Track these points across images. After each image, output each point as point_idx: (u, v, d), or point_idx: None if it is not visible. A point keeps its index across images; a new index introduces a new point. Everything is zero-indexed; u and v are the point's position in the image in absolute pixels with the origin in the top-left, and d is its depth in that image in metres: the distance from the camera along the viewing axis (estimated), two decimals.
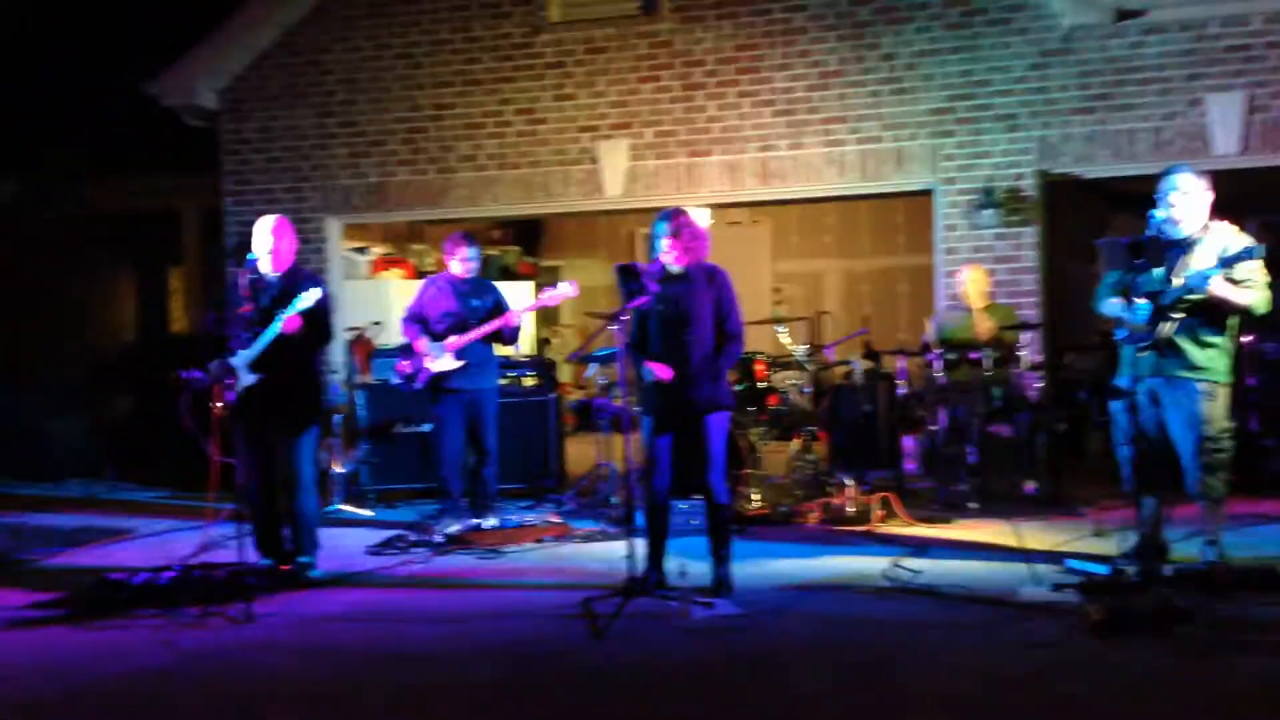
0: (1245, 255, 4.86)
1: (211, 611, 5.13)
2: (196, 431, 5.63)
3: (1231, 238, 5.03)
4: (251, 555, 5.76)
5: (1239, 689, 3.83)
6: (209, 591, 5.35)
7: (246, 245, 6.06)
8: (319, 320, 5.84)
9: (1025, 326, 7.48)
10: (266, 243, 5.85)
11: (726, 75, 8.70)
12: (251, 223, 6.01)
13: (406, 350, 7.18)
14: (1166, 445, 5.15)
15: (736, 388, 7.71)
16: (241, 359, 5.74)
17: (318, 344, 6.04)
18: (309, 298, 5.67)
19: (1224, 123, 7.84)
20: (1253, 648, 4.20)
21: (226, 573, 5.57)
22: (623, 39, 8.90)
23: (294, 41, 9.52)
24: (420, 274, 10.18)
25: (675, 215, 5.35)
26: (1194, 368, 5.05)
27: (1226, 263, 4.91)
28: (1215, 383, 5.06)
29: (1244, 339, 7.95)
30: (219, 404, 5.65)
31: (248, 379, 5.73)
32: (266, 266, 5.86)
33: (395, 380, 8.28)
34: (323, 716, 4.06)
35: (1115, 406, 5.27)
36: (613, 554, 5.82)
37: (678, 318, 5.28)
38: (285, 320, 5.62)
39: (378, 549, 6.65)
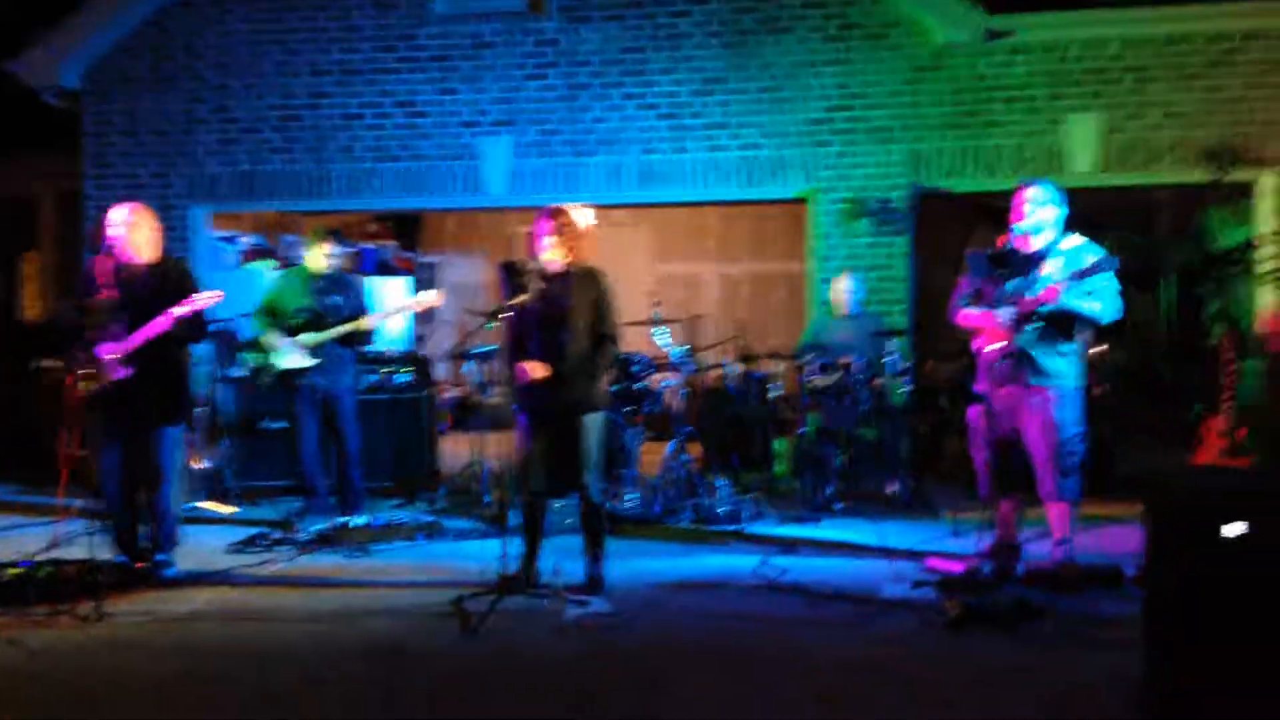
0: (1097, 268, 5.10)
1: (61, 610, 4.93)
2: (49, 423, 5.40)
3: (1084, 250, 5.28)
4: (105, 552, 5.54)
5: (1083, 680, 4.02)
6: (58, 589, 5.15)
7: (101, 231, 5.82)
8: (200, 319, 5.70)
9: (893, 333, 7.69)
10: (127, 231, 5.65)
11: (611, 77, 8.73)
12: (112, 208, 5.77)
13: (252, 345, 7.01)
14: (1021, 450, 5.36)
15: (612, 388, 7.76)
16: (111, 350, 5.53)
17: (194, 341, 5.89)
18: (205, 299, 5.55)
19: (1083, 142, 8.21)
20: (1099, 643, 4.41)
21: (77, 570, 5.36)
22: (509, 35, 8.85)
23: (165, 22, 9.18)
24: (290, 265, 9.94)
25: (557, 213, 5.35)
26: (1046, 375, 5.28)
27: (1079, 275, 5.14)
28: (1066, 388, 5.30)
29: (1097, 349, 8.41)
30: (79, 395, 5.44)
31: (120, 372, 5.52)
32: (131, 254, 5.66)
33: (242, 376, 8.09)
34: (173, 717, 3.92)
35: (973, 412, 5.47)
36: (486, 552, 5.78)
37: (554, 317, 5.28)
38: (170, 318, 5.46)
39: (239, 547, 6.47)
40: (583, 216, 5.44)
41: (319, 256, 7.00)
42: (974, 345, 5.54)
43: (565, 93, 8.79)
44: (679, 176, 8.69)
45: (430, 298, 6.98)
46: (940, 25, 8.24)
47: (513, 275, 5.29)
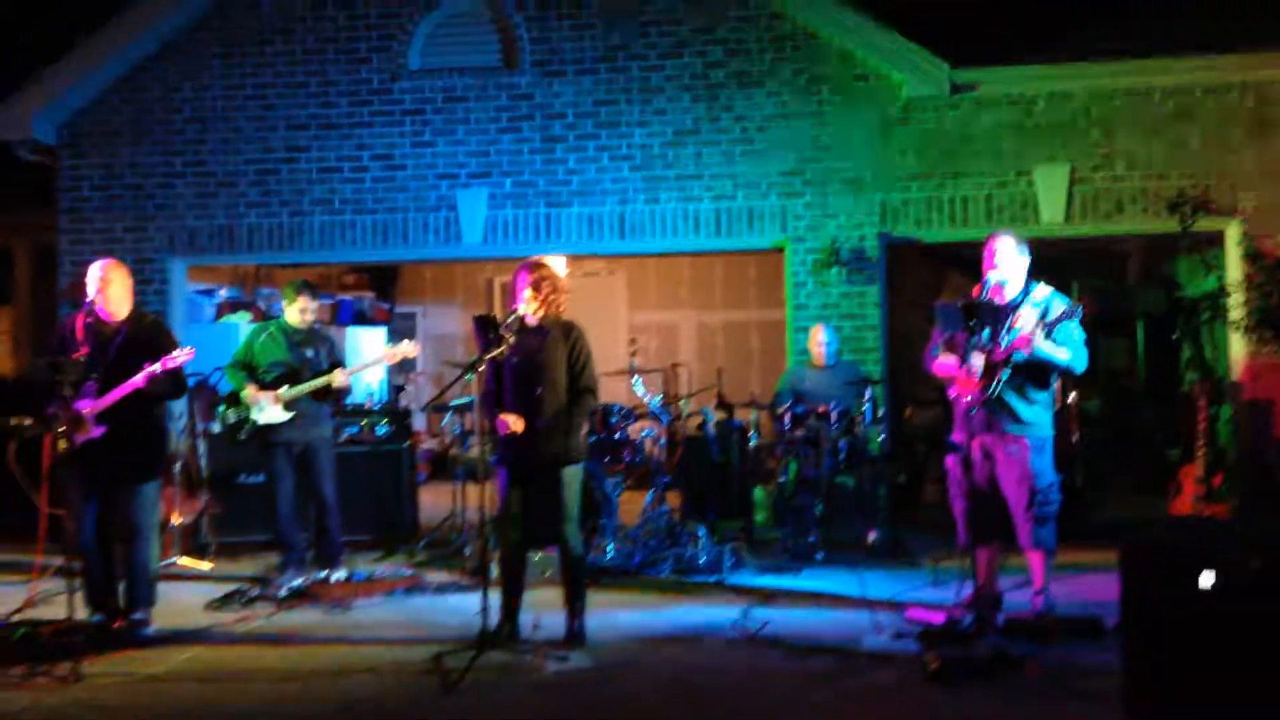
0: (1063, 317, 5.20)
1: (37, 671, 4.88)
2: (24, 481, 5.36)
3: (1052, 300, 5.38)
4: (81, 612, 5.48)
5: None
6: (35, 650, 5.10)
7: (79, 286, 5.85)
8: (176, 375, 5.71)
9: (868, 381, 7.76)
10: (101, 286, 5.68)
11: (585, 129, 8.83)
12: (88, 262, 5.80)
13: (230, 399, 6.99)
14: (998, 498, 5.42)
15: (590, 439, 7.78)
16: (86, 407, 5.52)
17: (171, 398, 5.90)
18: (180, 356, 5.59)
19: (1049, 193, 8.36)
20: (1080, 694, 4.43)
21: (53, 630, 5.30)
22: (483, 89, 8.95)
23: (141, 77, 9.23)
24: (267, 317, 9.94)
25: (535, 267, 5.40)
26: (1021, 423, 5.36)
27: (1048, 325, 5.22)
28: (1040, 437, 5.38)
29: (1070, 397, 8.51)
30: (56, 452, 5.42)
31: (95, 430, 5.52)
32: (106, 310, 5.68)
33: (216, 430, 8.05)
34: None
35: (950, 460, 5.53)
36: (466, 606, 5.76)
37: (531, 370, 5.31)
38: (145, 376, 5.48)
39: (217, 604, 6.41)
40: (557, 266, 5.49)
41: (295, 310, 7.01)
42: (949, 394, 5.60)
43: (540, 145, 8.88)
44: (653, 227, 8.77)
45: (405, 349, 6.99)
46: (907, 79, 8.40)
47: (487, 328, 5.32)
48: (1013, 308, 5.40)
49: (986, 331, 5.36)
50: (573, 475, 5.37)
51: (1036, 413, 5.40)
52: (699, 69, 8.69)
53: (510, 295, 5.45)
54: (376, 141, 9.04)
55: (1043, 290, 5.45)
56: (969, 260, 8.91)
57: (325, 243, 9.11)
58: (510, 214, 8.92)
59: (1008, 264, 5.43)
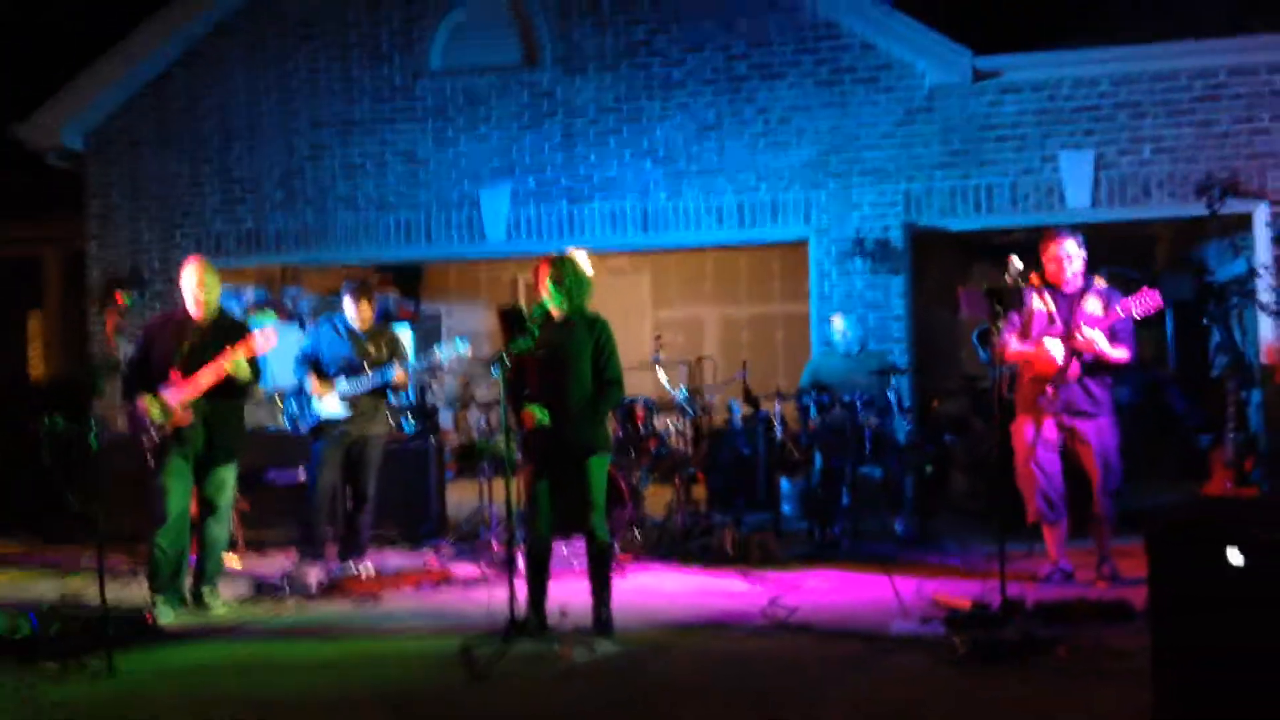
0: (1143, 309, 5.62)
1: (71, 664, 4.93)
2: (59, 479, 5.46)
3: (1111, 291, 5.79)
4: (118, 604, 5.56)
5: (1088, 711, 4.01)
6: (68, 644, 5.15)
7: (113, 288, 6.04)
8: (254, 364, 6.21)
9: (894, 371, 7.73)
10: (190, 286, 6.17)
11: (607, 125, 8.86)
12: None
13: (296, 392, 7.05)
14: (1068, 476, 5.92)
15: (616, 434, 7.79)
16: (174, 398, 5.99)
17: (249, 384, 6.30)
18: (260, 341, 6.07)
19: (1075, 179, 8.30)
20: (1109, 674, 4.40)
21: (86, 624, 5.36)
22: (504, 87, 8.99)
23: (167, 85, 9.34)
24: (293, 317, 10.01)
25: (560, 261, 5.42)
26: (1097, 403, 5.85)
27: (1122, 320, 5.73)
28: (1113, 416, 5.91)
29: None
30: (152, 432, 5.97)
31: (184, 417, 6.01)
32: (192, 309, 6.15)
33: (271, 426, 8.12)
34: None
35: (1028, 437, 5.98)
36: (493, 598, 5.79)
37: (557, 363, 5.32)
38: (226, 361, 5.97)
39: (249, 599, 6.47)
40: (582, 263, 5.51)
41: (349, 312, 7.06)
42: (1024, 377, 6.03)
43: (562, 141, 8.91)
44: (677, 221, 8.78)
45: (462, 350, 7.00)
46: (930, 68, 8.36)
47: (513, 320, 5.34)
48: (1079, 295, 5.84)
49: (1059, 318, 5.82)
50: (599, 466, 5.39)
51: (1107, 393, 5.87)
52: (720, 63, 8.70)
53: (535, 291, 5.47)
54: (399, 139, 9.10)
55: (1101, 280, 5.90)
56: (995, 248, 8.89)
57: (350, 241, 9.19)
58: (533, 210, 8.96)
59: (1074, 264, 5.88)
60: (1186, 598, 3.49)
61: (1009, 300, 5.41)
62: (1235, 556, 3.41)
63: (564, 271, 5.38)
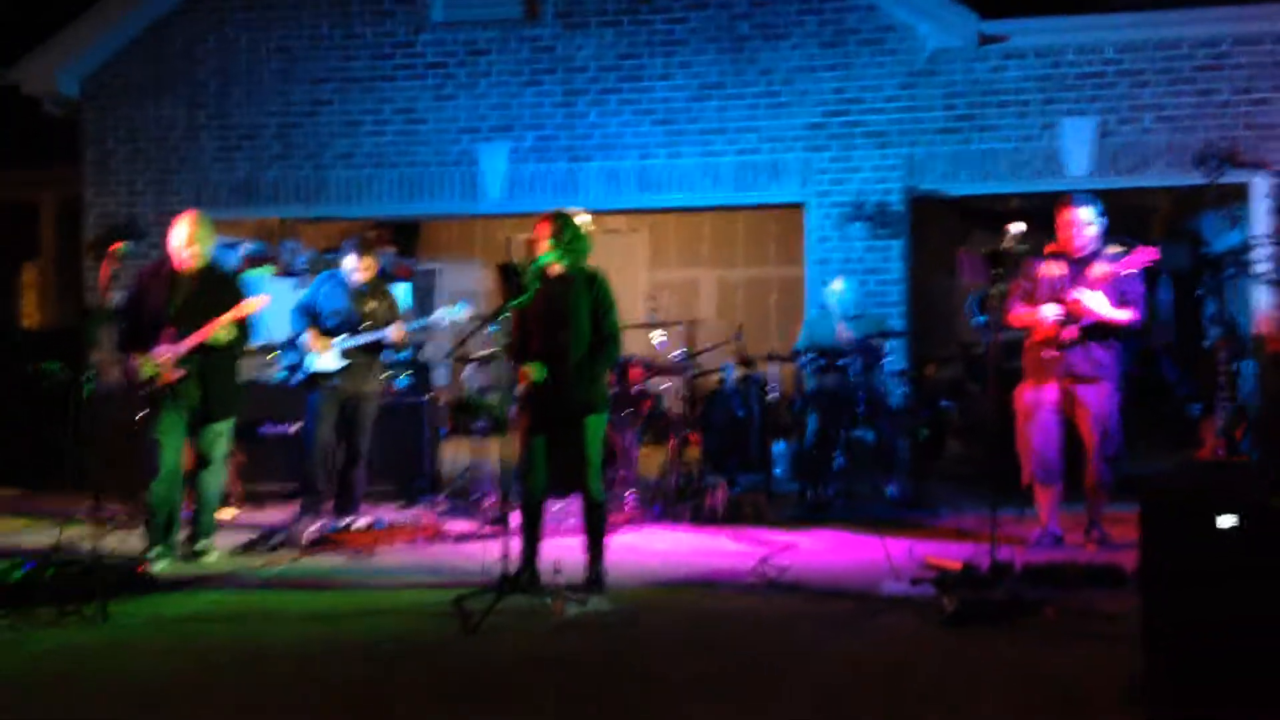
0: (1133, 266, 5.66)
1: (66, 611, 4.96)
2: (54, 425, 5.47)
3: (1121, 256, 5.77)
4: (111, 552, 5.60)
5: (1075, 672, 4.05)
6: (63, 590, 5.17)
7: (109, 237, 6.03)
8: (244, 325, 6.25)
9: (891, 334, 7.74)
10: (181, 238, 6.12)
11: (608, 83, 8.79)
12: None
13: (291, 343, 7.05)
14: (1066, 441, 5.98)
15: (612, 390, 7.80)
16: (165, 353, 6.01)
17: (241, 345, 6.35)
18: (251, 305, 6.13)
19: (1076, 146, 8.28)
20: (1098, 637, 4.44)
21: (81, 571, 5.38)
22: (504, 42, 8.91)
23: (166, 30, 9.25)
24: (289, 272, 9.97)
25: (557, 217, 5.41)
26: (1099, 367, 5.88)
27: (1120, 281, 5.77)
28: (1114, 382, 5.92)
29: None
30: (140, 380, 6.02)
31: (175, 373, 6.03)
32: (182, 262, 6.14)
33: (263, 378, 8.12)
34: (176, 716, 3.95)
35: (1028, 399, 6.03)
36: (486, 554, 5.81)
37: (555, 319, 5.32)
38: (216, 325, 6.00)
39: (241, 551, 6.50)
40: (581, 220, 5.49)
41: (348, 268, 7.03)
42: (1027, 341, 6.10)
43: (562, 99, 8.85)
44: (676, 181, 8.75)
45: (462, 312, 6.99)
46: (934, 31, 8.31)
47: (511, 276, 5.33)
48: (1090, 259, 5.88)
49: (1067, 281, 5.88)
50: (596, 424, 5.40)
51: (1111, 359, 5.89)
52: (724, 21, 8.63)
53: (531, 249, 5.46)
54: (399, 95, 9.05)
55: (1115, 248, 5.92)
56: (995, 214, 8.87)
57: (348, 197, 9.15)
58: (531, 169, 8.91)
59: (1089, 232, 5.91)
60: (1178, 560, 3.52)
61: (1008, 265, 5.41)
62: (1225, 520, 3.44)
63: (563, 227, 5.36)
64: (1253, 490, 3.51)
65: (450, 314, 6.96)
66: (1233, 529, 3.44)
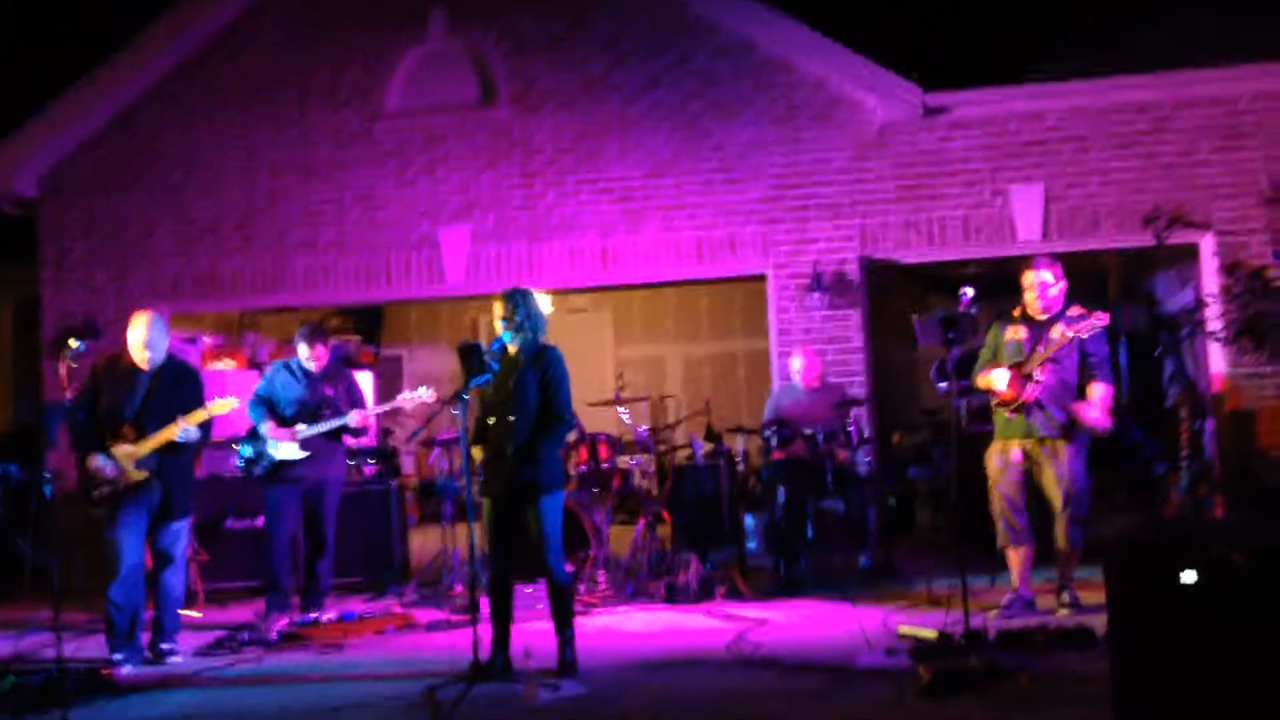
0: (1092, 334, 5.80)
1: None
2: (11, 530, 5.38)
3: (1082, 319, 5.86)
4: (71, 658, 5.45)
5: None
6: (24, 700, 5.05)
7: (67, 336, 6.01)
8: (205, 426, 6.14)
9: (853, 403, 7.78)
10: (136, 335, 6.08)
11: (565, 164, 8.91)
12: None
13: (251, 435, 6.98)
14: (1033, 502, 6.05)
15: (581, 468, 7.78)
16: (126, 454, 5.96)
17: (199, 444, 6.26)
18: (219, 408, 6.06)
19: (1026, 211, 8.44)
20: (1071, 699, 4.43)
21: (43, 678, 5.25)
22: (461, 127, 9.02)
23: (124, 127, 9.30)
24: (252, 364, 9.93)
25: (509, 296, 5.43)
26: (1058, 428, 5.93)
27: (1091, 359, 5.93)
28: (1077, 442, 5.96)
29: None
30: (95, 498, 5.96)
31: (142, 470, 5.98)
32: (142, 360, 6.09)
33: (226, 473, 8.02)
34: None
35: (997, 463, 6.10)
36: (457, 642, 5.73)
37: (502, 399, 5.30)
38: (180, 425, 5.94)
39: (207, 650, 6.36)
40: (540, 300, 5.52)
41: (302, 356, 7.01)
42: (993, 402, 6.16)
43: (521, 180, 8.95)
44: (636, 258, 8.83)
45: (424, 395, 6.97)
46: (880, 103, 8.49)
47: (471, 356, 5.32)
48: (1051, 323, 6.00)
49: (1030, 344, 6.02)
50: (550, 504, 5.32)
51: (1072, 418, 5.93)
52: (675, 101, 8.79)
53: (494, 329, 5.47)
54: (359, 182, 9.10)
55: (1076, 309, 6.03)
56: (949, 280, 9.00)
57: (309, 285, 9.15)
58: (493, 249, 8.97)
59: (1051, 294, 6.05)
60: (1143, 618, 3.53)
61: (962, 328, 5.48)
62: (1188, 576, 3.45)
63: (515, 306, 5.37)
64: (1215, 545, 3.53)
65: (413, 396, 6.95)
66: (1195, 584, 3.45)
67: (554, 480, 5.37)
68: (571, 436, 8.31)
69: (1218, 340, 8.16)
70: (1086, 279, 11.09)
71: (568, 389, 5.39)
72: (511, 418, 5.26)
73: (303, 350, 6.99)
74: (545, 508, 5.29)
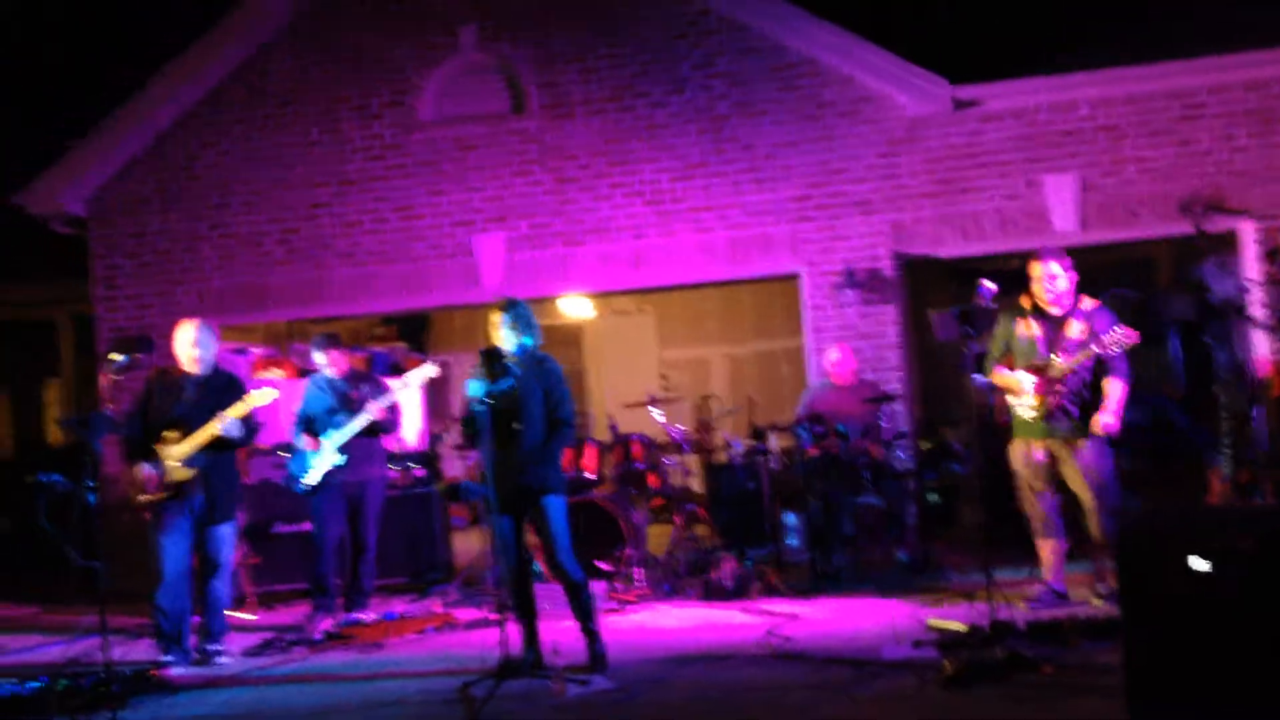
0: (1115, 349, 5.76)
1: None
2: (58, 537, 5.58)
3: (1097, 312, 5.89)
4: (121, 662, 5.66)
5: None
6: (76, 701, 5.24)
7: (118, 348, 6.23)
8: (249, 421, 6.31)
9: (886, 398, 7.77)
10: (180, 344, 6.32)
11: (597, 168, 9.00)
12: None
13: (291, 450, 7.17)
14: (1062, 498, 6.06)
15: (617, 469, 7.87)
16: (180, 453, 6.15)
17: (244, 443, 6.43)
18: (258, 398, 6.20)
19: (1061, 202, 8.37)
20: (1091, 690, 4.42)
21: (93, 680, 5.45)
22: (494, 136, 9.16)
23: (164, 148, 9.55)
24: (301, 373, 10.14)
25: (506, 304, 5.54)
26: (1080, 425, 5.92)
27: (1106, 358, 5.86)
28: (1099, 438, 5.94)
29: None
30: (141, 504, 6.13)
31: (189, 470, 6.15)
32: (191, 363, 6.31)
33: (275, 478, 8.21)
34: None
35: (1024, 461, 6.10)
36: (494, 640, 5.83)
37: (508, 406, 5.39)
38: (222, 419, 6.09)
39: (255, 651, 6.55)
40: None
41: (321, 365, 7.21)
42: (1008, 400, 6.14)
43: (553, 186, 9.06)
44: (668, 260, 8.89)
45: (426, 371, 7.11)
46: (909, 99, 8.48)
47: (493, 360, 5.42)
48: (1065, 318, 5.98)
49: (1046, 341, 5.99)
50: (555, 506, 5.43)
51: (1089, 414, 5.91)
52: (703, 103, 8.84)
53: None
54: (394, 193, 9.27)
55: (1089, 302, 6.00)
56: (988, 275, 8.94)
57: (349, 295, 9.34)
58: (528, 255, 9.09)
59: (1060, 284, 6.00)
60: (1155, 604, 3.53)
61: (979, 321, 5.47)
62: (1198, 563, 3.45)
63: (510, 315, 5.48)
64: (1226, 531, 3.53)
65: (421, 375, 7.08)
66: (1208, 570, 3.45)
67: (556, 482, 5.48)
68: (607, 439, 8.42)
69: (1261, 327, 8.04)
70: (1134, 267, 10.97)
71: (570, 397, 5.52)
72: (516, 425, 5.36)
73: (319, 359, 7.20)
74: (549, 509, 5.39)
